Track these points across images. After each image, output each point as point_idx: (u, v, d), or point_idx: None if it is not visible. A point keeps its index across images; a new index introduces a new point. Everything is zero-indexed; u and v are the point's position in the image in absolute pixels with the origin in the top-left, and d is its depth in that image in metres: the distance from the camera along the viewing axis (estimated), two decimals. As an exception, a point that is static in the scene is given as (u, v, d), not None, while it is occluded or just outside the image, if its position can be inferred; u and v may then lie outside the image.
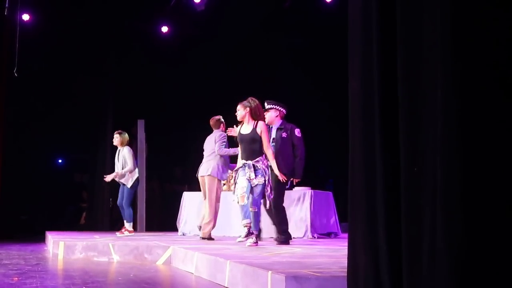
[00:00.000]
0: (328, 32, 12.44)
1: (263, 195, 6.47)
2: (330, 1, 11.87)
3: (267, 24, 12.93)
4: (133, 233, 9.45)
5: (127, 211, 9.46)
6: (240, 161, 6.61)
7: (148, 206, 12.67)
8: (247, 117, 6.60)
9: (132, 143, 13.62)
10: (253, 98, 6.68)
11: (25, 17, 11.49)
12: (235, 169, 6.68)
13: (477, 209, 2.21)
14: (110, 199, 13.86)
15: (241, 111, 6.63)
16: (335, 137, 13.27)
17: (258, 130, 6.50)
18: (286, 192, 9.00)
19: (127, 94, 13.46)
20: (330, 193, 9.96)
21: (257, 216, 6.49)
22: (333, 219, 9.66)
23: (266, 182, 6.42)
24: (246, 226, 6.42)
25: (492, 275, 2.14)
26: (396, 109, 2.73)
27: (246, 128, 6.60)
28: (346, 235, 9.73)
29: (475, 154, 2.26)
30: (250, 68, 12.91)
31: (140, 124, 12.65)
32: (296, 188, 9.34)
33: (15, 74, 8.99)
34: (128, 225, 9.41)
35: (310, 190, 9.33)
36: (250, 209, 6.39)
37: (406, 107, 2.66)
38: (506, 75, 2.23)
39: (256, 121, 6.56)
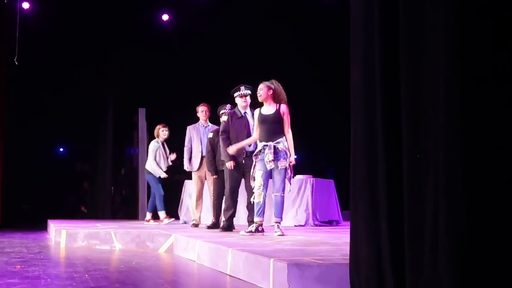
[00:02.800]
0: (330, 21, 12.43)
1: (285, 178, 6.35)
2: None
3: (269, 13, 12.90)
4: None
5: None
6: (259, 144, 6.37)
7: (149, 195, 12.68)
8: (270, 98, 6.47)
9: (133, 132, 13.66)
10: (276, 81, 6.56)
11: (25, 5, 11.46)
12: (255, 153, 6.43)
13: (480, 199, 2.21)
14: (112, 188, 13.90)
15: (264, 91, 6.44)
16: (336, 125, 13.28)
17: (281, 112, 6.40)
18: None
19: (128, 83, 13.45)
20: (332, 181, 9.98)
21: (282, 202, 6.33)
22: (335, 207, 9.69)
23: (288, 165, 6.31)
24: (257, 223, 6.37)
25: (494, 267, 2.14)
26: (398, 96, 2.72)
27: (268, 109, 6.40)
28: (347, 223, 9.74)
29: (477, 142, 2.25)
30: (252, 57, 12.89)
31: (141, 113, 12.63)
32: (297, 176, 9.35)
33: (16, 63, 8.97)
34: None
35: (312, 178, 9.34)
36: (276, 194, 6.27)
37: (408, 95, 2.65)
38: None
39: (278, 103, 6.45)
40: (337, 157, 14.43)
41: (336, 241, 5.40)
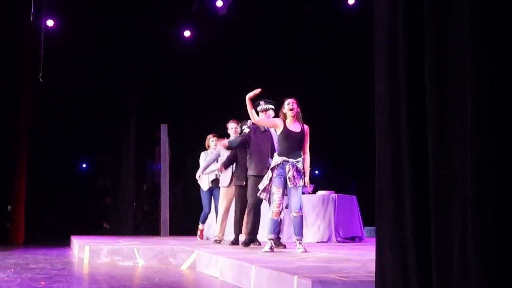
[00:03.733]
0: (352, 34, 12.42)
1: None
2: (353, 4, 11.82)
3: (290, 27, 12.92)
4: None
5: None
6: (278, 158, 6.28)
7: (172, 210, 12.71)
8: (295, 116, 6.43)
9: (155, 148, 13.73)
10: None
11: (49, 22, 11.60)
12: (271, 166, 6.34)
13: (509, 214, 2.17)
14: (134, 203, 13.95)
15: (296, 107, 6.41)
16: (357, 140, 13.23)
17: (305, 131, 6.40)
18: (310, 195, 9.01)
19: (150, 99, 13.54)
20: (354, 197, 9.90)
21: (301, 221, 6.31)
22: (357, 223, 9.60)
23: (307, 184, 6.32)
24: (271, 240, 6.33)
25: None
26: (423, 111, 2.70)
27: (293, 126, 6.42)
28: (370, 239, 9.63)
29: (506, 158, 2.22)
30: (272, 71, 12.90)
31: (163, 129, 12.70)
32: (319, 192, 9.31)
33: (40, 80, 9.07)
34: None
35: (334, 194, 9.28)
36: (294, 214, 6.24)
37: (434, 110, 2.62)
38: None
39: (302, 123, 6.44)
40: (358, 172, 14.36)
41: (360, 258, 5.34)
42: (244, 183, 7.43)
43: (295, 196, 6.21)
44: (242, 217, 7.64)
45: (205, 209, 9.21)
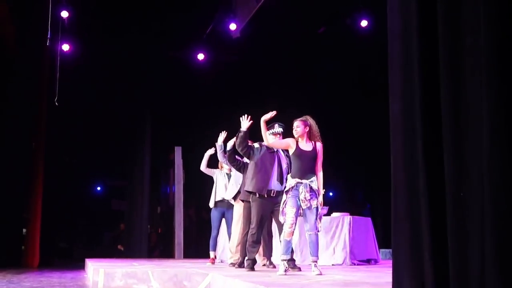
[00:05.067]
0: (364, 56, 12.44)
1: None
2: (366, 26, 11.86)
3: (302, 49, 12.97)
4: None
5: None
6: (291, 180, 6.22)
7: (186, 233, 12.69)
8: (306, 135, 6.40)
9: (169, 170, 13.75)
10: (310, 117, 6.49)
11: (65, 47, 11.73)
12: (286, 189, 6.26)
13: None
14: (148, 226, 13.94)
15: (301, 128, 6.37)
16: (373, 161, 13.19)
17: (318, 150, 6.34)
18: (325, 217, 8.94)
19: (164, 121, 13.60)
20: (369, 219, 9.83)
21: (317, 240, 6.21)
22: (373, 245, 9.52)
23: (320, 203, 6.26)
24: (284, 260, 6.26)
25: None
26: (439, 131, 2.69)
27: (305, 145, 6.37)
28: (386, 261, 9.51)
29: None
30: (286, 92, 12.92)
31: (178, 151, 12.74)
32: (334, 214, 9.25)
33: (56, 104, 9.15)
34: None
35: (349, 216, 9.22)
36: (310, 232, 6.18)
37: (449, 131, 2.61)
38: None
39: (314, 141, 6.39)
40: (373, 194, 14.28)
41: (376, 281, 5.28)
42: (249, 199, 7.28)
43: (311, 216, 6.15)
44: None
45: (212, 231, 9.06)
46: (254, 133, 7.05)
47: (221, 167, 9.06)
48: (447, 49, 2.68)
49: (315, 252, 6.21)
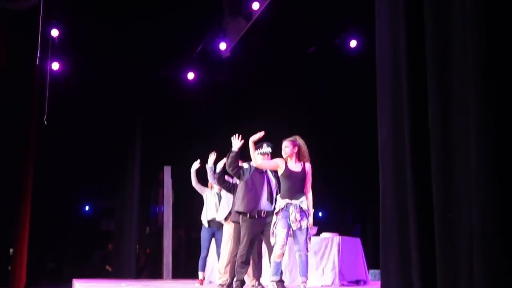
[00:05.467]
0: (352, 77, 12.50)
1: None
2: (354, 47, 11.93)
3: (292, 69, 13.03)
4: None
5: None
6: (281, 201, 6.19)
7: (175, 253, 12.61)
8: (295, 155, 6.38)
9: (158, 190, 13.69)
10: (299, 137, 6.47)
11: (55, 66, 11.72)
12: (276, 211, 6.21)
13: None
14: (137, 246, 13.85)
15: (290, 149, 6.34)
16: (362, 182, 13.19)
17: (306, 171, 6.31)
18: (314, 238, 8.90)
19: (153, 141, 13.57)
20: (358, 239, 9.80)
21: (307, 260, 6.16)
22: (362, 266, 9.49)
23: (310, 224, 6.19)
24: (273, 281, 6.23)
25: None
26: (427, 155, 2.70)
27: (294, 166, 6.32)
28: (375, 282, 9.49)
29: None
30: (275, 112, 12.94)
31: (167, 170, 12.70)
32: (323, 234, 9.22)
33: (45, 122, 9.11)
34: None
35: (339, 237, 9.19)
36: (300, 253, 6.14)
37: (438, 155, 2.62)
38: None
39: (303, 161, 6.36)
40: (363, 214, 14.26)
41: (365, 301, 5.26)
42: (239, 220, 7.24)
43: (301, 237, 6.11)
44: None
45: (202, 251, 8.92)
46: (243, 153, 7.04)
47: (211, 187, 9.01)
48: (434, 71, 2.70)
49: (305, 273, 6.16)
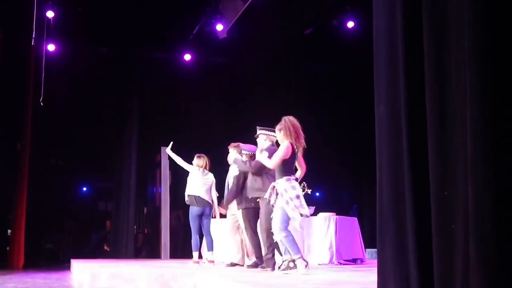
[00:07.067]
0: (350, 57, 12.49)
1: (286, 218, 6.19)
2: (352, 27, 11.90)
3: (289, 50, 13.01)
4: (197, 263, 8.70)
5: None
6: (294, 181, 6.28)
7: (173, 234, 12.67)
8: (286, 138, 6.35)
9: (156, 171, 13.71)
10: (287, 117, 6.33)
11: (51, 47, 11.68)
12: (294, 188, 6.22)
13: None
14: (135, 226, 13.90)
15: (279, 138, 6.35)
16: (359, 163, 13.24)
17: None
18: (311, 217, 8.95)
19: (151, 122, 13.57)
20: (355, 219, 9.87)
21: (288, 241, 6.13)
22: (359, 245, 9.56)
23: (287, 203, 6.10)
24: (285, 260, 6.25)
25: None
26: (424, 132, 2.71)
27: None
28: (372, 261, 9.51)
29: (508, 178, 2.22)
30: (273, 94, 12.95)
31: (164, 152, 12.70)
32: (321, 214, 9.28)
33: (41, 103, 9.10)
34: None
35: (335, 216, 9.25)
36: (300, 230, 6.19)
37: (434, 131, 2.63)
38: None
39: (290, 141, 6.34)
40: (360, 195, 14.32)
41: (362, 280, 5.31)
42: (253, 204, 7.28)
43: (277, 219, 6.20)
44: (258, 238, 7.37)
45: (193, 235, 8.69)
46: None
47: (202, 166, 8.86)
48: (432, 50, 2.70)
49: (295, 251, 6.18)
